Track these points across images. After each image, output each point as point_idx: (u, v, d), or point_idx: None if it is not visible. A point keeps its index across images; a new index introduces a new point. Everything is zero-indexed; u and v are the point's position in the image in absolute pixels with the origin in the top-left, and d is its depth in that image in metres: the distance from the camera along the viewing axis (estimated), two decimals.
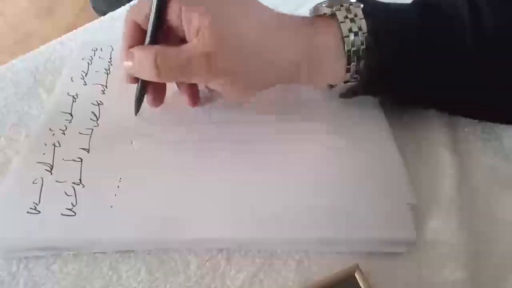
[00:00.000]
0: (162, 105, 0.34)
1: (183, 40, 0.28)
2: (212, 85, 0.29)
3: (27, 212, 0.27)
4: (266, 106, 0.34)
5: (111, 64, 0.38)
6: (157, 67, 0.27)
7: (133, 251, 0.27)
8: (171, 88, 0.34)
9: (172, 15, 0.28)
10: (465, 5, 0.28)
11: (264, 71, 0.29)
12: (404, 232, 0.26)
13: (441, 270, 0.25)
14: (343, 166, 0.30)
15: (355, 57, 0.28)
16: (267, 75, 0.30)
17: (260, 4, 0.29)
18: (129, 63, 0.29)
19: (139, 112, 0.33)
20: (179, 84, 0.34)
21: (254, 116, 0.33)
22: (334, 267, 0.24)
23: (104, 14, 0.46)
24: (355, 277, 0.23)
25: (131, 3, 0.46)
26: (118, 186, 0.28)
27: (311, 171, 0.29)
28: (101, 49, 0.40)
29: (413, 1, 0.30)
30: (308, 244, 0.27)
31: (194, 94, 0.34)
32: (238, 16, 0.28)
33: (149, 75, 0.28)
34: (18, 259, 0.27)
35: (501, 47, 0.28)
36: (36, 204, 0.27)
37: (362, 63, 0.28)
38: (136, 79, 0.31)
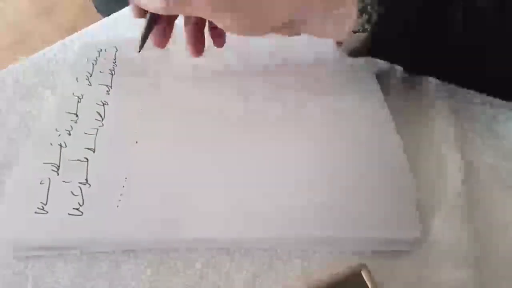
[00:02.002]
0: (167, 105, 0.34)
1: None
2: (216, 20, 0.30)
3: (35, 213, 0.27)
4: (267, 95, 0.35)
5: (116, 65, 0.38)
6: None
7: (134, 250, 0.27)
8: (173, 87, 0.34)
9: None
10: None
11: (268, 6, 0.29)
12: (408, 230, 0.26)
13: (444, 269, 0.25)
14: (347, 165, 0.30)
15: (368, 7, 0.28)
16: (271, 10, 0.29)
17: None
18: None
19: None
20: (186, 28, 0.34)
21: (254, 115, 0.34)
22: (335, 267, 0.24)
23: (106, 14, 0.46)
24: (361, 275, 0.23)
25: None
26: (124, 186, 0.29)
27: (314, 170, 0.29)
28: (105, 50, 0.40)
29: None
30: (310, 244, 0.27)
31: (198, 44, 0.35)
32: None
33: (155, 4, 0.29)
34: (20, 258, 0.27)
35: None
36: (44, 204, 0.27)
37: (375, 14, 0.28)
38: (143, 13, 0.31)
